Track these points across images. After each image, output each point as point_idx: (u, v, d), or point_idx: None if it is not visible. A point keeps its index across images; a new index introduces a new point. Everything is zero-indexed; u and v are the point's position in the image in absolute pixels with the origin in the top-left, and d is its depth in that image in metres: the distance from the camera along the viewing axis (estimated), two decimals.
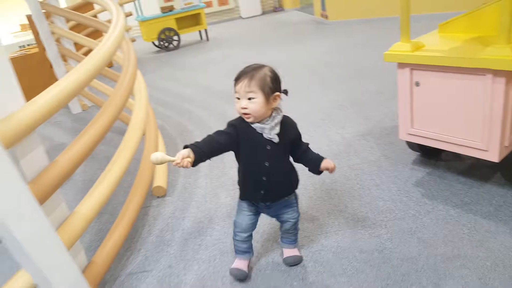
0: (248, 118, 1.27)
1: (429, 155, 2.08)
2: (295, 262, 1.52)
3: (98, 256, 1.53)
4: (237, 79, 1.27)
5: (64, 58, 4.19)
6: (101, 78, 3.87)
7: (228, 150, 1.33)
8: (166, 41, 7.12)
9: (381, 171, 2.04)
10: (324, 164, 1.36)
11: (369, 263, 1.46)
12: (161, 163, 1.18)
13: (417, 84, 1.71)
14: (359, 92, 3.24)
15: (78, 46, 4.43)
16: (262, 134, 1.28)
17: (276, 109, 1.31)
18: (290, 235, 1.53)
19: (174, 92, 4.40)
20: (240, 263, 1.50)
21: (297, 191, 1.47)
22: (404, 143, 2.12)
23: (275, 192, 1.39)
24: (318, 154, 1.39)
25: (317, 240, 1.63)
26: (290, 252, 1.54)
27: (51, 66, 4.25)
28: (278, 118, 1.30)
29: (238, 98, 1.27)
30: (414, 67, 1.69)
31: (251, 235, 1.49)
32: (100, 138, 1.52)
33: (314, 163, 1.38)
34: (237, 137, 1.29)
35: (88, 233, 1.97)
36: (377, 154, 2.21)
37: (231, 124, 1.32)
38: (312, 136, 2.57)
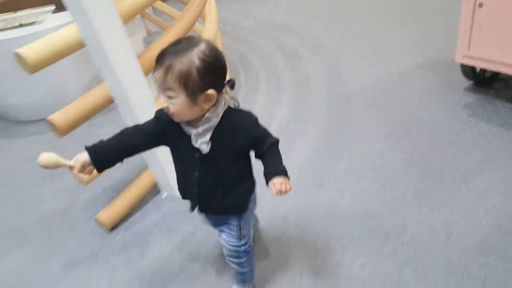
0: (173, 118, 0.91)
1: (482, 83, 2.15)
2: None
3: None
4: (156, 63, 0.87)
5: None
6: (172, 3, 4.10)
7: (148, 149, 1.00)
8: None
9: (431, 94, 2.16)
10: (270, 184, 0.93)
11: (407, 161, 1.67)
12: (53, 167, 0.89)
13: (481, 5, 1.77)
14: (422, 28, 3.22)
15: None
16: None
17: (215, 108, 0.91)
18: (234, 268, 1.16)
19: (233, 23, 4.55)
20: None
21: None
22: (459, 74, 2.19)
23: (211, 206, 1.04)
24: (276, 165, 0.96)
25: (361, 144, 1.84)
26: None
27: None
28: (213, 122, 0.91)
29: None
30: None
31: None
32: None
33: (265, 176, 0.95)
34: (162, 134, 0.97)
35: None
36: (430, 81, 2.31)
37: (156, 117, 0.98)
38: (366, 67, 2.69)
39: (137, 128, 0.97)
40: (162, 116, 0.95)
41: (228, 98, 0.95)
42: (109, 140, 0.94)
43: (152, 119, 0.98)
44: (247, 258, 1.12)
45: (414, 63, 2.60)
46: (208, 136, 0.92)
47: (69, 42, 1.24)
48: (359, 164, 1.72)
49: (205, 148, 0.92)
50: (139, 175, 1.72)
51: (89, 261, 1.46)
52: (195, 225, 1.53)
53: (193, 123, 0.92)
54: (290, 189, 0.92)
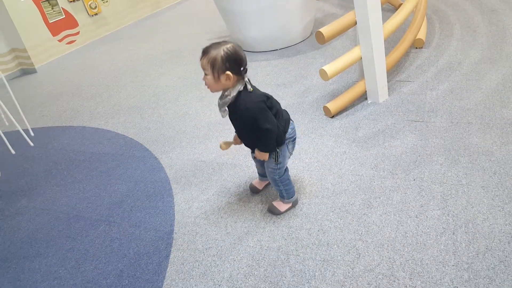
0: (208, 89, 1.45)
1: None
2: (270, 210, 1.72)
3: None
4: (201, 54, 1.41)
5: None
6: None
7: None
8: None
9: None
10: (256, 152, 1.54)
11: None
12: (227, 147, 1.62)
13: None
14: None
15: None
16: None
17: (234, 88, 1.40)
18: (275, 187, 1.67)
19: None
20: (256, 182, 1.88)
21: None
22: None
23: (251, 147, 1.62)
24: (260, 144, 1.50)
25: None
26: (276, 201, 1.73)
27: None
28: (228, 98, 1.40)
29: None
30: None
31: (262, 166, 1.72)
32: None
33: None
34: None
35: None
36: None
37: None
38: None
39: None
40: None
41: (246, 82, 1.42)
42: None
43: None
44: (279, 180, 1.62)
45: None
46: (224, 107, 1.44)
47: None
48: None
49: (223, 115, 1.46)
50: (354, 85, 2.43)
51: (319, 131, 2.25)
52: (394, 120, 2.17)
53: (221, 97, 1.44)
54: (265, 158, 1.52)
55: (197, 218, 1.80)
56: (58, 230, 1.96)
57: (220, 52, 1.35)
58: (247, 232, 1.66)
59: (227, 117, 1.50)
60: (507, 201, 1.51)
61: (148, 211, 1.93)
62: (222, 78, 1.37)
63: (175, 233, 1.75)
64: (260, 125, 1.40)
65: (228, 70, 1.36)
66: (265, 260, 1.51)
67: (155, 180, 2.16)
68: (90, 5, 5.33)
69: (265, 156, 1.51)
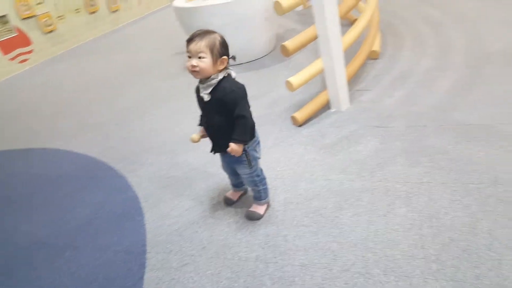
0: (196, 75, 1.42)
1: None
2: (250, 217, 1.74)
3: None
4: (190, 40, 1.40)
5: None
6: None
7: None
8: None
9: None
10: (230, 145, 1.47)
11: None
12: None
13: None
14: None
15: None
16: None
17: (220, 72, 1.42)
18: (253, 191, 1.73)
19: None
20: (231, 193, 1.88)
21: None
22: None
23: (219, 145, 1.55)
24: (235, 134, 1.46)
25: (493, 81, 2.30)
26: (253, 206, 1.76)
27: None
28: (214, 81, 1.41)
29: (189, 57, 1.40)
30: None
31: (234, 177, 1.78)
32: None
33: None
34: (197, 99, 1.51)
35: None
36: None
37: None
38: (507, 33, 2.97)
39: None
40: (196, 91, 1.52)
41: (231, 71, 1.48)
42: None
43: None
44: (259, 180, 1.68)
45: None
46: (208, 90, 1.43)
47: None
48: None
49: (206, 97, 1.44)
50: (318, 95, 2.53)
51: (288, 140, 2.31)
52: (356, 126, 2.28)
53: (203, 81, 1.43)
54: (238, 152, 1.47)
55: (169, 235, 1.77)
56: (20, 260, 1.84)
57: (217, 37, 1.41)
58: (224, 245, 1.66)
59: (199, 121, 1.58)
60: (464, 195, 1.63)
61: (116, 233, 1.86)
62: (219, 62, 1.41)
63: (148, 252, 1.70)
64: (239, 110, 1.43)
65: (225, 55, 1.42)
66: (244, 271, 1.51)
67: (123, 199, 2.10)
68: (45, 22, 5.16)
69: (239, 149, 1.47)
